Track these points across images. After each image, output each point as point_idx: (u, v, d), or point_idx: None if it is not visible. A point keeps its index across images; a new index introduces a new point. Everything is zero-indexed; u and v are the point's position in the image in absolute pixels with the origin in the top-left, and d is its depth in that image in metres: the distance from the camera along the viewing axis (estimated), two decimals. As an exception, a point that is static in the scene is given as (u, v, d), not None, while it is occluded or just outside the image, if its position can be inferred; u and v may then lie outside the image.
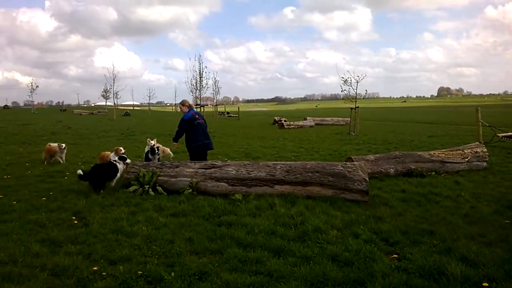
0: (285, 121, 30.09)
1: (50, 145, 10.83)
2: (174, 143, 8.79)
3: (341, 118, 32.98)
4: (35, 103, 70.02)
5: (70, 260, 4.18)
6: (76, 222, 5.58)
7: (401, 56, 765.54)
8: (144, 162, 8.35)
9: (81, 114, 52.63)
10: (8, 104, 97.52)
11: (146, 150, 9.87)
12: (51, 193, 7.27)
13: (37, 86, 64.94)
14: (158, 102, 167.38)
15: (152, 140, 9.71)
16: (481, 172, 9.37)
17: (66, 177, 8.81)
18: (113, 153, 8.98)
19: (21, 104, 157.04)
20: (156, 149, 9.15)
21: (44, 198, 6.85)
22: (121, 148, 9.10)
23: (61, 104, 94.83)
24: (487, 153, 9.97)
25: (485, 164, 9.81)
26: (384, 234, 5.00)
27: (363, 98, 24.24)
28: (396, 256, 4.39)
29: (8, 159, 11.65)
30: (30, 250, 4.49)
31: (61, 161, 10.71)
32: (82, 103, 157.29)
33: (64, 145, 10.87)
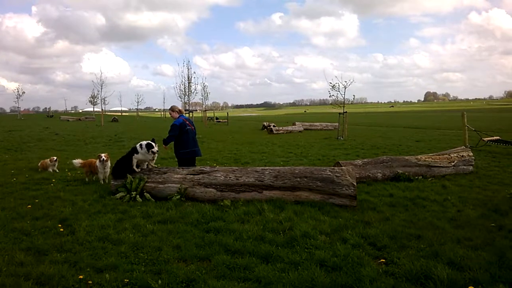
0: (274, 126, 30.15)
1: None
2: (165, 145, 8.71)
3: (329, 123, 33.20)
4: (22, 109, 69.18)
5: (55, 268, 4.12)
6: (62, 230, 5.49)
7: (388, 61, 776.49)
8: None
9: (68, 120, 52.08)
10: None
11: None
12: (36, 200, 7.16)
13: (23, 92, 64.17)
14: (146, 108, 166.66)
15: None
16: (468, 176, 9.48)
17: (52, 184, 8.69)
18: (97, 160, 8.86)
19: (7, 110, 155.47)
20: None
21: (30, 206, 6.74)
22: (102, 154, 8.93)
23: (48, 110, 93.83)
24: (473, 157, 10.10)
25: (471, 168, 9.94)
26: (372, 239, 5.02)
27: (351, 103, 24.41)
28: (383, 260, 4.40)
29: (-7, 166, 11.45)
30: (14, 259, 4.41)
31: (51, 171, 10.57)
32: (70, 109, 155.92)
33: (55, 157, 10.80)
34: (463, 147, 11.27)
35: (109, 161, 8.91)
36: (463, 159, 9.85)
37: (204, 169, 7.55)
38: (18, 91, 62.68)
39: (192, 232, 5.41)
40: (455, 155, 9.89)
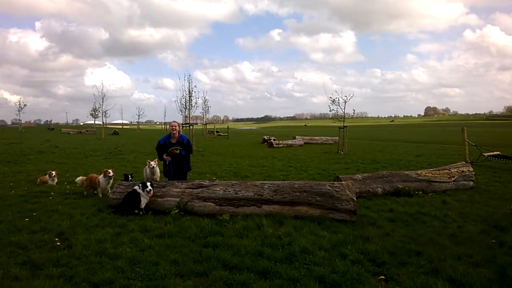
0: (274, 140, 30.13)
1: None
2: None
3: (330, 137, 33.17)
4: (23, 121, 69.16)
5: (50, 283, 4.07)
6: (59, 243, 5.44)
7: (387, 76, 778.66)
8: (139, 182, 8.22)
9: (69, 133, 52.17)
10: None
11: (144, 170, 9.84)
12: (34, 213, 7.11)
13: (25, 105, 64.05)
14: (147, 121, 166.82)
15: (152, 161, 9.60)
16: (468, 191, 9.44)
17: (50, 197, 8.65)
18: (101, 175, 8.85)
19: (9, 122, 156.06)
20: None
21: (27, 219, 6.70)
22: (110, 170, 8.91)
23: (49, 122, 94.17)
24: (473, 173, 10.07)
25: (471, 183, 9.89)
26: (371, 255, 4.97)
27: (351, 118, 24.44)
28: (383, 277, 4.35)
29: (-8, 179, 11.42)
30: (10, 273, 4.37)
31: (51, 183, 10.57)
32: (71, 122, 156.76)
33: (54, 172, 10.80)
34: (463, 162, 11.23)
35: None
36: (463, 174, 9.82)
37: (203, 183, 7.51)
38: (19, 104, 62.81)
39: (190, 246, 5.36)
40: (456, 170, 9.86)
